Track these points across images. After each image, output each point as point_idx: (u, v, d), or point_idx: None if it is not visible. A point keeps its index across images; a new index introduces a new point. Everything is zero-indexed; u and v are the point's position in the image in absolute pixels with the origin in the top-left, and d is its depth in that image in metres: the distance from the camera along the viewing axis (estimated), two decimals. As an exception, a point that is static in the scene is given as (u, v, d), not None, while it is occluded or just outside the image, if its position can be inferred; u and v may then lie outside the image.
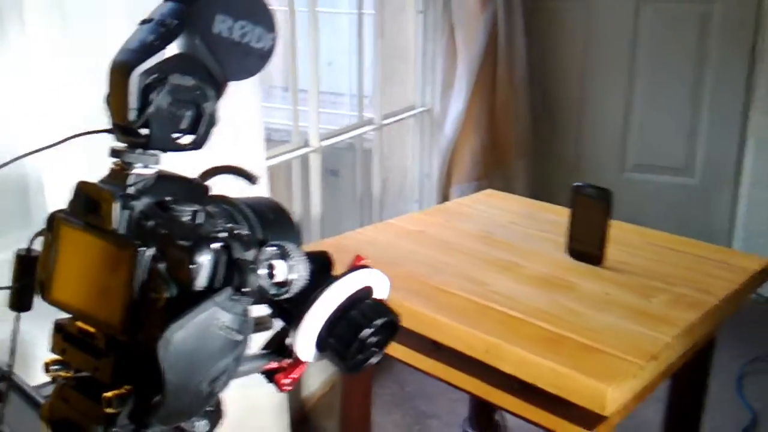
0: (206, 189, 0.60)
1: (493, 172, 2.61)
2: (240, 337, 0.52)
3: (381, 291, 0.65)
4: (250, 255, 0.53)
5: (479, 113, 2.54)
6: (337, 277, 0.61)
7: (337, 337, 0.59)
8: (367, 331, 0.59)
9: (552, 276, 1.31)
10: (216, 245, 0.51)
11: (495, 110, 2.60)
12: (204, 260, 0.50)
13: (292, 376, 0.70)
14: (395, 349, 1.29)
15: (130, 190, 0.53)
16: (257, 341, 0.68)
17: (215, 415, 0.59)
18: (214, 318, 0.49)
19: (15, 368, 0.82)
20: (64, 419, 0.57)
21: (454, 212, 1.67)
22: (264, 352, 0.68)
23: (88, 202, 0.54)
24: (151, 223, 0.52)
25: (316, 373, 2.08)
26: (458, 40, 2.45)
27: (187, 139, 0.57)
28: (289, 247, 0.60)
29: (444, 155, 2.56)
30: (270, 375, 0.69)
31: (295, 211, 1.98)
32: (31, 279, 0.60)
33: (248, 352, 0.66)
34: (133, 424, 0.52)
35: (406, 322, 1.20)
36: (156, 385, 0.50)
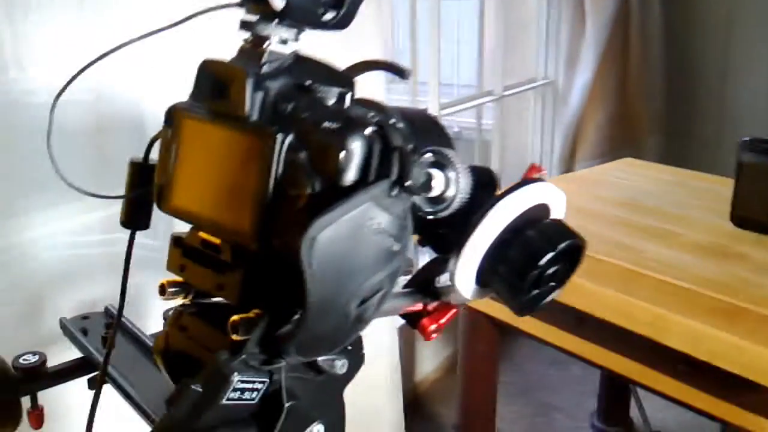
0: (353, 81, 0.49)
1: (621, 148, 2.41)
2: (397, 246, 0.41)
3: (557, 210, 0.53)
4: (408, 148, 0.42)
5: (608, 85, 2.35)
6: (505, 193, 0.49)
7: (510, 264, 0.47)
8: (547, 256, 0.47)
9: (715, 244, 1.14)
10: (369, 130, 0.40)
11: (626, 81, 2.40)
12: (356, 146, 0.39)
13: (440, 321, 0.59)
14: (527, 324, 1.16)
15: (265, 69, 0.43)
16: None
17: (355, 357, 0.49)
18: (368, 216, 0.39)
19: (130, 319, 0.75)
20: (180, 352, 0.48)
21: (589, 180, 1.51)
22: (406, 290, 0.57)
23: (215, 84, 0.44)
24: (290, 106, 0.42)
25: (431, 356, 1.96)
26: (586, 3, 2.27)
27: (328, 15, 0.46)
28: (449, 154, 0.49)
29: (568, 131, 2.38)
30: (413, 319, 0.58)
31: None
32: (146, 190, 0.51)
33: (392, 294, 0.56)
34: (264, 353, 0.42)
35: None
36: (294, 303, 0.40)
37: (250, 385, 0.42)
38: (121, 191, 0.53)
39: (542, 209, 0.51)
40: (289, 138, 0.41)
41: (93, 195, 0.52)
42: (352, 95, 0.43)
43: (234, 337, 0.43)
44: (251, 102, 0.42)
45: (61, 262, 0.95)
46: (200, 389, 0.41)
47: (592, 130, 2.37)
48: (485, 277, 0.51)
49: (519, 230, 0.49)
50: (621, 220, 1.26)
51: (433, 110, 1.90)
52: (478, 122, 2.27)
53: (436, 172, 0.49)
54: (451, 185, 0.49)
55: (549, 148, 2.49)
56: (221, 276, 0.44)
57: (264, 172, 0.41)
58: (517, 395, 1.91)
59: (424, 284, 0.57)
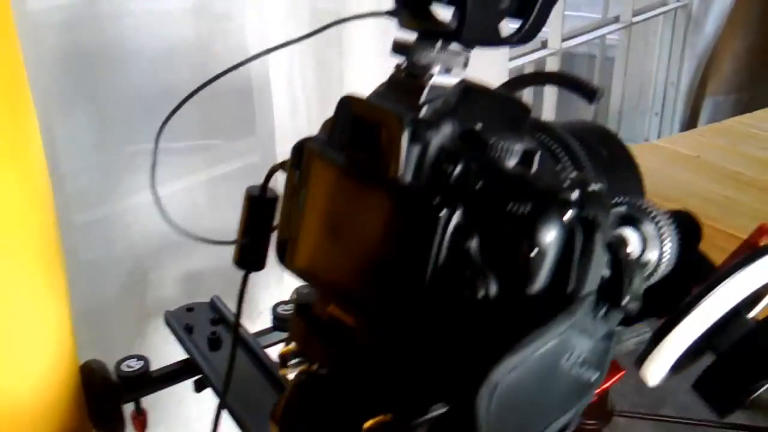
0: (526, 109, 0.38)
1: (760, 83, 2.15)
2: (596, 376, 0.31)
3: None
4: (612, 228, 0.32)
5: (751, 9, 2.08)
6: (729, 271, 0.37)
7: (718, 379, 0.37)
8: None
9: None
10: (569, 215, 0.29)
11: (772, 7, 2.11)
12: (551, 242, 0.29)
13: (604, 386, 0.49)
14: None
15: (425, 112, 0.33)
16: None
17: None
18: (566, 348, 0.29)
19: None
20: (300, 428, 0.41)
21: (738, 133, 1.33)
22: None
23: (358, 129, 0.34)
24: (457, 167, 0.32)
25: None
26: None
27: (506, 26, 0.35)
28: (643, 203, 0.38)
29: (699, 60, 2.14)
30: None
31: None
32: (265, 230, 0.43)
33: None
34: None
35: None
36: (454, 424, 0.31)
37: None
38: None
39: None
40: (457, 215, 0.31)
41: (206, 241, 0.44)
42: (540, 152, 0.32)
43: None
44: (406, 159, 0.32)
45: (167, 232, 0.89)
46: None
47: (728, 61, 2.12)
48: (681, 367, 0.40)
49: (731, 317, 0.38)
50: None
51: (553, 44, 1.72)
52: (602, 53, 2.07)
53: (629, 232, 0.38)
54: (651, 247, 0.38)
55: (675, 78, 2.26)
56: (351, 367, 0.36)
57: (421, 255, 0.31)
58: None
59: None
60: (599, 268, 0.29)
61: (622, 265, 0.28)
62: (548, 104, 1.72)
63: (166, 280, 0.89)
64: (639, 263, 0.38)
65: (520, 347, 0.27)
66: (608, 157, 0.42)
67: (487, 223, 0.30)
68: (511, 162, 0.32)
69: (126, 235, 0.84)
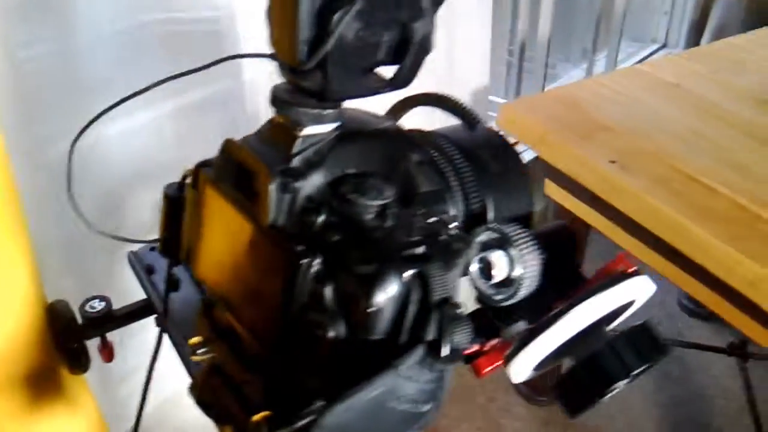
0: (408, 144, 0.41)
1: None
2: (427, 407, 0.35)
3: (641, 301, 0.45)
4: (456, 270, 0.35)
5: None
6: (589, 292, 0.41)
7: (574, 384, 0.41)
8: (620, 383, 0.40)
9: None
10: (408, 273, 0.33)
11: None
12: (388, 302, 0.33)
13: (496, 364, 0.54)
14: (617, 235, 1.07)
15: (296, 163, 0.36)
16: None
17: None
18: (393, 392, 0.33)
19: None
20: (213, 406, 0.46)
21: (725, 58, 1.31)
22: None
23: (238, 173, 0.37)
24: (320, 219, 0.35)
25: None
26: None
27: (379, 74, 0.37)
28: (511, 230, 0.41)
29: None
30: (469, 359, 0.53)
31: (520, 29, 1.70)
32: (180, 227, 0.47)
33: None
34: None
35: (643, 219, 0.98)
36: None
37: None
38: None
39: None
40: (316, 263, 0.35)
41: (129, 240, 0.48)
42: (395, 206, 0.36)
43: (257, 434, 0.40)
44: (277, 208, 0.36)
45: (135, 162, 0.93)
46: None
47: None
48: (542, 366, 0.45)
49: (592, 328, 0.43)
50: (750, 127, 1.10)
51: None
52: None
53: (496, 255, 0.42)
54: (516, 266, 0.42)
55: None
56: (245, 372, 0.41)
57: (288, 295, 0.35)
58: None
59: (480, 321, 0.52)
60: (429, 323, 0.33)
61: (449, 326, 0.32)
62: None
63: (140, 210, 0.94)
64: (507, 281, 0.42)
65: (347, 397, 0.32)
66: (498, 173, 0.45)
67: (339, 279, 0.34)
68: (368, 216, 0.35)
69: (96, 168, 0.88)
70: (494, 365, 0.54)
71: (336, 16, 0.32)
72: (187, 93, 0.93)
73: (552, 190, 1.16)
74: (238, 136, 0.97)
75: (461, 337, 0.33)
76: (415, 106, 0.44)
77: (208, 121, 0.96)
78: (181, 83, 0.95)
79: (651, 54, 2.23)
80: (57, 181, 0.87)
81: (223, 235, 0.39)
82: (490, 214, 0.44)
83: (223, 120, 0.98)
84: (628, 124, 1.10)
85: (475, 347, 0.53)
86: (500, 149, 0.46)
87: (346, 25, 0.33)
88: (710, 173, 1.00)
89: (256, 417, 0.40)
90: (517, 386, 1.45)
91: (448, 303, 0.33)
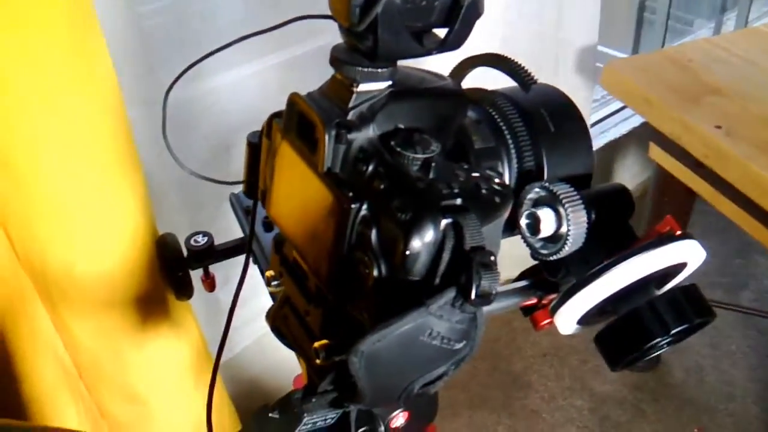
0: (463, 100, 0.43)
1: None
2: (460, 345, 0.39)
3: (693, 265, 0.46)
4: (496, 222, 0.38)
5: None
6: (640, 249, 0.42)
7: (614, 336, 0.43)
8: (655, 341, 0.42)
9: None
10: (444, 222, 0.36)
11: None
12: (423, 247, 0.36)
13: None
14: (720, 203, 1.04)
15: (351, 116, 0.39)
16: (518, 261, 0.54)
17: (426, 410, 0.49)
18: (425, 328, 0.37)
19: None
20: (284, 334, 0.52)
21: None
22: (523, 284, 0.54)
23: (301, 123, 0.41)
24: (370, 168, 0.39)
25: (628, 178, 1.85)
26: None
27: (436, 36, 0.39)
28: (560, 189, 0.43)
29: None
30: (528, 311, 0.56)
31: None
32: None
33: (503, 287, 0.54)
34: (337, 393, 0.44)
35: (746, 187, 0.94)
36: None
37: (321, 418, 0.45)
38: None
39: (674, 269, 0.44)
40: (363, 210, 0.38)
41: (217, 182, 0.54)
42: (439, 160, 0.38)
43: (317, 361, 0.45)
44: (332, 156, 0.39)
45: (240, 113, 1.00)
46: (277, 418, 0.45)
47: None
48: (588, 321, 0.47)
49: (638, 289, 0.44)
50: None
51: None
52: None
53: (544, 212, 0.44)
54: (564, 223, 0.44)
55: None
56: (307, 304, 0.46)
57: (339, 235, 0.39)
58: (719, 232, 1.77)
59: (539, 276, 0.54)
60: (461, 268, 0.36)
61: (475, 277, 0.35)
62: None
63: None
64: (555, 237, 0.44)
65: (380, 328, 0.36)
66: (555, 133, 0.46)
67: (382, 223, 0.37)
68: (414, 168, 0.38)
69: (208, 115, 0.96)
70: (551, 319, 0.56)
71: (386, -19, 0.35)
72: (290, 48, 0.98)
73: (656, 154, 1.14)
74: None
75: (489, 283, 0.35)
76: (475, 67, 0.46)
77: (310, 75, 1.01)
78: (287, 37, 1.00)
79: (791, 12, 2.07)
80: (176, 123, 0.95)
81: (290, 180, 0.44)
82: (546, 173, 0.46)
83: (323, 73, 1.03)
84: (738, 88, 1.05)
85: (533, 300, 0.55)
86: (561, 109, 0.47)
87: (394, -10, 0.35)
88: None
89: (317, 344, 0.44)
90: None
91: (480, 251, 0.36)
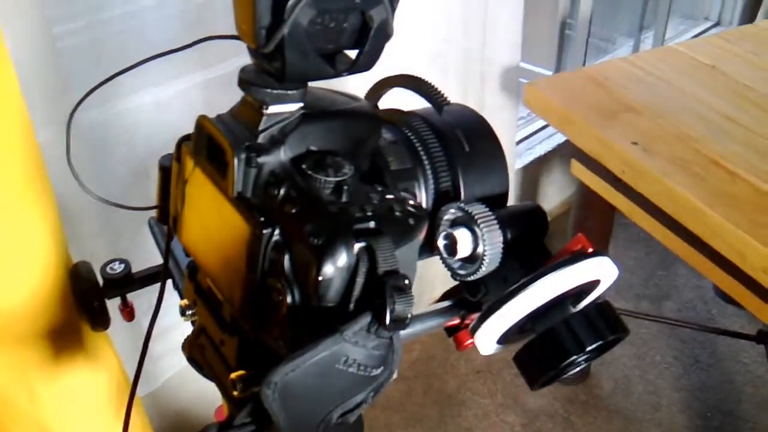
0: (378, 122, 0.43)
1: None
2: (378, 371, 0.38)
3: (606, 281, 0.46)
4: (410, 245, 0.38)
5: None
6: (551, 268, 0.43)
7: (531, 356, 0.43)
8: (571, 359, 0.42)
9: None
10: (357, 246, 0.35)
11: None
12: (337, 273, 0.35)
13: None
14: (639, 217, 1.07)
15: (261, 139, 0.38)
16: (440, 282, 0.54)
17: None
18: (340, 356, 0.36)
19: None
20: (201, 364, 0.50)
21: (765, 39, 1.28)
22: (446, 304, 0.54)
23: (210, 146, 0.40)
24: (281, 192, 0.38)
25: (553, 193, 1.90)
26: None
27: (347, 57, 0.39)
28: (476, 209, 0.43)
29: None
30: (451, 331, 0.55)
31: (561, 5, 1.67)
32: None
33: (422, 309, 0.53)
34: (254, 424, 0.43)
35: (661, 201, 0.97)
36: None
37: (240, 451, 0.43)
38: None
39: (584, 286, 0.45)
40: (275, 235, 0.37)
41: (127, 208, 0.52)
42: (352, 183, 0.38)
43: (234, 392, 0.43)
44: (243, 181, 0.38)
45: (167, 133, 0.97)
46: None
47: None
48: (508, 339, 0.47)
49: (555, 306, 0.44)
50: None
51: None
52: None
53: (461, 233, 0.44)
54: (480, 243, 0.43)
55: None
56: (222, 333, 0.44)
57: (252, 262, 0.38)
58: (639, 242, 1.83)
59: (461, 297, 0.53)
60: (375, 293, 0.35)
61: (389, 301, 0.35)
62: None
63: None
64: (472, 257, 0.44)
65: (293, 357, 0.34)
66: (470, 154, 0.46)
67: (294, 249, 0.36)
68: (326, 191, 0.37)
69: (128, 137, 0.93)
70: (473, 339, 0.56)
71: (290, 4, 0.34)
72: (215, 66, 0.96)
73: (578, 170, 1.16)
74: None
75: (403, 307, 0.35)
76: (390, 87, 0.46)
77: (237, 94, 1.00)
78: (212, 56, 0.97)
79: (703, 32, 2.17)
80: (92, 146, 0.92)
81: (201, 205, 0.42)
82: (462, 192, 0.46)
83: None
84: (654, 106, 1.09)
85: (456, 320, 0.55)
86: (475, 129, 0.47)
87: (300, 12, 0.35)
88: (734, 158, 0.98)
89: (233, 375, 0.43)
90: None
91: (394, 275, 0.35)
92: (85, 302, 0.70)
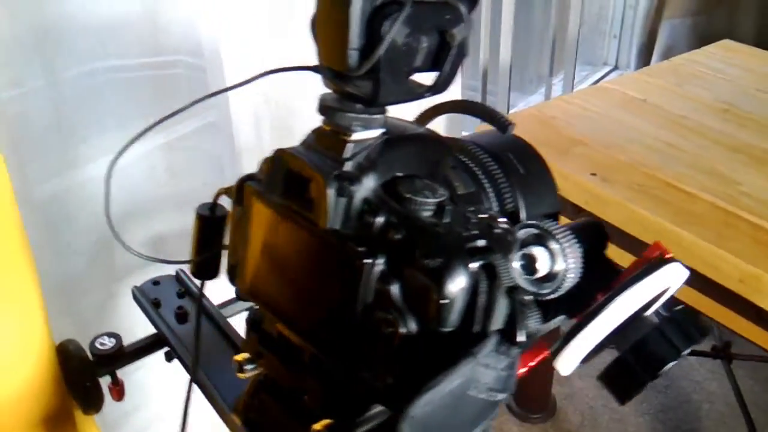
0: (446, 148, 0.42)
1: (715, 7, 2.18)
2: (502, 396, 0.36)
3: (676, 286, 0.47)
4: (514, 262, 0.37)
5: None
6: (629, 282, 0.42)
7: (625, 370, 0.43)
8: (670, 365, 0.42)
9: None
10: (475, 265, 0.34)
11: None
12: (458, 292, 0.34)
13: (539, 357, 0.55)
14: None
15: (349, 167, 0.37)
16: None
17: None
18: (473, 380, 0.34)
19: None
20: (261, 424, 0.46)
21: (685, 73, 1.37)
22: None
23: (290, 180, 0.38)
24: (379, 219, 0.36)
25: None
26: None
27: (416, 80, 0.38)
28: (551, 226, 0.42)
29: (656, -18, 2.15)
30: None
31: (482, 58, 1.75)
32: (216, 246, 0.47)
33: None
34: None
35: (628, 226, 1.01)
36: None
37: None
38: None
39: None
40: (380, 263, 0.35)
41: (159, 261, 0.48)
42: (449, 204, 0.37)
43: (316, 445, 0.40)
44: (334, 211, 0.36)
45: (128, 199, 0.93)
46: None
47: (685, -18, 2.13)
48: (588, 359, 0.46)
49: (632, 319, 0.44)
50: (715, 134, 1.15)
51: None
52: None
53: (538, 251, 0.43)
54: (558, 260, 0.43)
55: (634, 1, 2.27)
56: (300, 378, 0.41)
57: (351, 295, 0.36)
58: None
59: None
60: (501, 310, 0.34)
61: (516, 307, 0.33)
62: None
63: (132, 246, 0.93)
64: (549, 276, 0.44)
65: (430, 388, 0.32)
66: (525, 175, 0.46)
67: (407, 275, 0.35)
68: (426, 213, 0.36)
69: (90, 206, 0.87)
70: (537, 359, 0.55)
71: (387, 22, 0.34)
72: (175, 127, 0.93)
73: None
74: (226, 169, 0.96)
75: (533, 322, 0.34)
76: (446, 112, 0.46)
77: (199, 153, 0.97)
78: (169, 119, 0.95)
79: (604, 76, 2.31)
80: (50, 220, 0.86)
81: (275, 246, 0.40)
82: (522, 214, 0.46)
83: (212, 150, 0.99)
84: (601, 138, 1.14)
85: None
86: (523, 151, 0.48)
87: (396, 31, 0.34)
88: (687, 179, 1.04)
89: (317, 426, 0.40)
90: (509, 405, 1.46)
91: (516, 290, 0.34)
92: (78, 383, 0.65)
